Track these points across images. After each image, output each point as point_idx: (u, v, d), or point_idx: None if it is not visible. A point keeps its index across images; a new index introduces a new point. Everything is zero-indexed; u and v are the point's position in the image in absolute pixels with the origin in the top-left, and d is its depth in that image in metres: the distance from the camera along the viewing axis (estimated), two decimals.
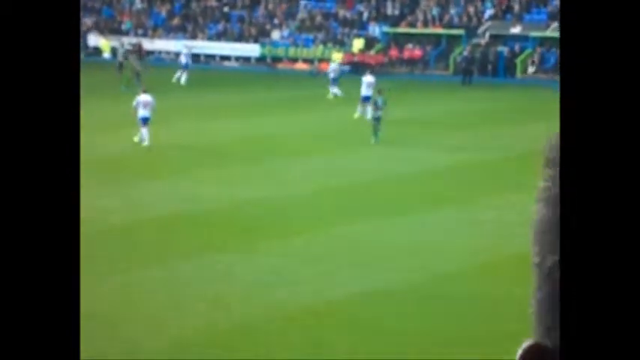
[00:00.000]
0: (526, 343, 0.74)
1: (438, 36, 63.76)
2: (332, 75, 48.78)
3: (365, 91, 39.58)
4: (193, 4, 73.59)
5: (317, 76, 59.11)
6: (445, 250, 20.28)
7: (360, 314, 16.57)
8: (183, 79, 53.00)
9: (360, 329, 15.83)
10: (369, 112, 36.81)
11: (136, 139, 32.97)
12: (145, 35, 71.36)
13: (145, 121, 32.83)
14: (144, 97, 33.40)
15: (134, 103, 33.18)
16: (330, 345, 15.15)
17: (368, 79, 40.42)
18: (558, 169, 0.73)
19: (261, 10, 71.33)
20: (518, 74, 59.61)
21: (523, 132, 34.48)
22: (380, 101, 34.70)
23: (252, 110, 42.15)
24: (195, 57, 66.68)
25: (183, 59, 55.34)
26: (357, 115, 39.38)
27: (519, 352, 0.73)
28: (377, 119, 34.41)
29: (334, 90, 47.68)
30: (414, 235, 21.63)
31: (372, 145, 33.36)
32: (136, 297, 17.28)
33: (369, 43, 64.92)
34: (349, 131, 36.62)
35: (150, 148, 32.18)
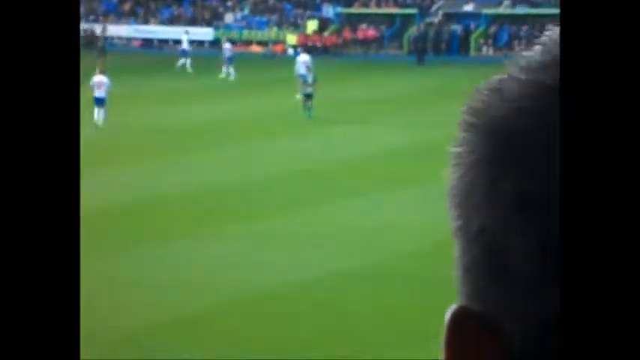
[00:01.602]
0: (453, 306, 0.74)
1: (392, 15, 63.82)
2: (227, 54, 49.59)
3: (301, 70, 39.53)
4: None
5: (272, 59, 58.98)
6: (404, 229, 20.36)
7: (322, 296, 16.61)
8: (188, 66, 52.49)
9: (322, 311, 15.87)
10: (300, 89, 37.25)
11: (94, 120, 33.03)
12: (96, 21, 70.84)
13: (100, 101, 32.74)
14: (99, 78, 33.29)
15: (90, 83, 33.07)
16: (294, 327, 15.18)
17: (303, 57, 40.58)
18: (477, 133, 0.73)
19: None
20: (472, 52, 59.82)
21: None
22: (310, 78, 35.50)
23: (207, 95, 42.00)
24: (149, 42, 66.35)
25: (185, 45, 54.65)
26: (298, 96, 39.40)
27: (447, 314, 0.73)
28: (308, 95, 35.15)
29: (229, 70, 48.82)
30: (372, 215, 21.69)
31: (329, 126, 33.38)
32: (98, 284, 17.22)
33: (323, 24, 64.87)
34: (311, 116, 36.59)
35: (107, 132, 31.99)
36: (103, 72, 33.85)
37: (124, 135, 32.27)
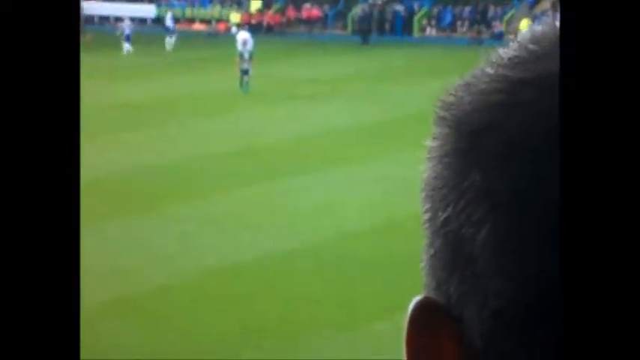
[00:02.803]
0: (417, 298, 0.75)
1: None
2: (126, 31, 51.08)
3: (239, 47, 39.95)
4: None
5: (216, 37, 58.70)
6: (345, 210, 20.36)
7: (263, 277, 16.55)
8: (172, 43, 52.63)
9: (264, 293, 15.82)
10: (238, 65, 38.25)
11: None
12: None
13: None
14: None
15: None
16: (235, 309, 15.13)
17: (242, 35, 40.93)
18: (447, 127, 0.75)
19: None
20: (416, 33, 59.99)
21: (421, 90, 34.72)
22: (246, 54, 36.91)
23: (148, 72, 41.71)
24: (89, 18, 65.62)
25: (168, 23, 54.69)
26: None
27: (410, 306, 0.75)
28: (244, 71, 36.39)
29: (127, 46, 50.11)
30: (316, 194, 21.67)
31: (270, 105, 33.29)
32: None
33: (267, 2, 64.68)
34: (254, 90, 36.50)
35: None
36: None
37: None
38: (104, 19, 66.83)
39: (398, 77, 40.06)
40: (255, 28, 57.42)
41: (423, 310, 0.75)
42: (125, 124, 29.77)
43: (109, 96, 34.87)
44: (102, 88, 35.76)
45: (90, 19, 64.95)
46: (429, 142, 0.78)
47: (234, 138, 27.71)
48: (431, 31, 59.75)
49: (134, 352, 13.63)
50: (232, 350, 13.74)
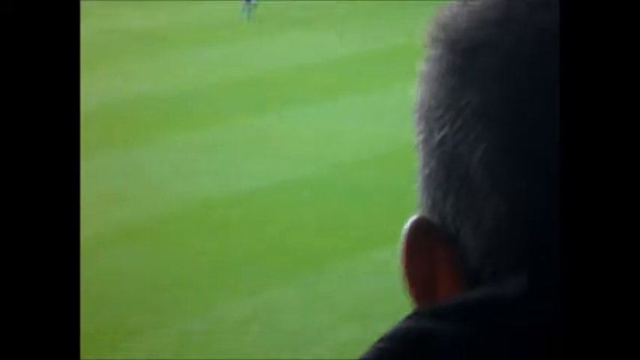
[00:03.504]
0: (412, 218, 0.75)
1: None
2: None
3: None
4: None
5: None
6: (346, 139, 20.38)
7: (264, 206, 16.63)
8: None
9: (265, 220, 15.91)
10: None
11: None
12: None
13: None
14: None
15: None
16: (237, 237, 15.23)
17: None
18: (442, 47, 0.74)
19: None
20: None
21: (425, 18, 34.54)
22: None
23: (144, 2, 41.45)
24: None
25: None
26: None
27: (405, 226, 0.75)
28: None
29: None
30: (314, 124, 21.68)
31: (270, 35, 33.15)
32: None
33: None
34: (254, 21, 36.31)
35: None
36: None
37: None
38: None
39: (400, 6, 39.78)
40: None
41: (418, 231, 0.75)
42: (126, 53, 29.68)
43: (110, 23, 34.71)
44: (104, 14, 35.59)
45: None
46: (422, 66, 0.77)
47: (234, 67, 27.65)
48: None
49: (136, 279, 13.77)
50: (233, 276, 13.87)
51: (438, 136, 0.75)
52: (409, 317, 0.72)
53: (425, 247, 0.75)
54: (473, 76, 0.73)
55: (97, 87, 25.12)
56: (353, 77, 26.33)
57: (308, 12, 38.45)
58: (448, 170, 0.74)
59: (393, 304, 12.87)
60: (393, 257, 14.35)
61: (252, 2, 36.81)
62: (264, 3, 38.31)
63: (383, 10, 39.13)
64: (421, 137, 0.77)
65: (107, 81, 25.77)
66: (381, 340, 0.70)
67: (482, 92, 0.72)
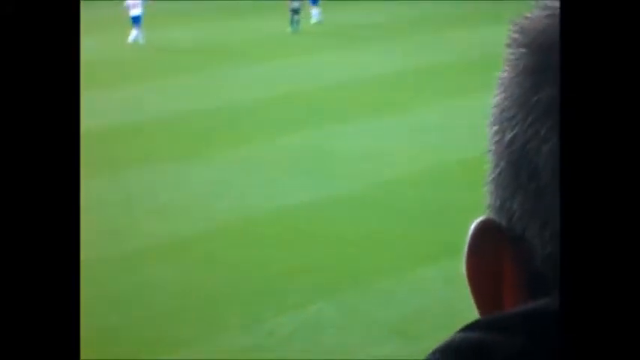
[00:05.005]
0: (478, 219, 0.75)
1: None
2: None
3: None
4: None
5: None
6: (390, 156, 20.40)
7: (308, 222, 16.69)
8: None
9: (308, 237, 15.96)
10: (315, 14, 38.22)
11: (130, 39, 33.42)
12: None
13: (136, 20, 33.32)
14: None
15: (124, 3, 34.00)
16: (281, 253, 15.28)
17: None
18: (520, 48, 0.74)
19: None
20: None
21: (468, 36, 34.50)
22: None
23: (193, 17, 41.68)
24: None
25: None
26: (312, 21, 39.29)
27: (471, 227, 0.74)
28: (295, 10, 36.76)
29: None
30: (359, 142, 21.70)
31: (315, 51, 33.24)
32: (83, 205, 17.29)
33: None
34: (299, 37, 36.43)
35: (108, 51, 31.80)
36: None
37: (114, 55, 32.09)
38: None
39: (446, 23, 39.70)
40: None
41: (484, 231, 0.74)
42: (171, 68, 29.89)
43: (156, 38, 34.98)
44: (150, 28, 35.87)
45: None
46: (501, 70, 0.77)
47: (280, 83, 27.75)
48: None
49: (180, 293, 13.88)
50: (275, 292, 13.93)
51: (509, 136, 0.74)
52: (464, 329, 0.71)
53: (490, 248, 0.74)
54: (547, 73, 0.73)
55: (142, 101, 25.37)
56: (396, 94, 26.35)
57: (353, 29, 38.50)
58: (517, 168, 0.74)
59: (433, 322, 12.93)
60: (433, 275, 14.40)
61: (297, 17, 37.06)
62: (308, 20, 38.39)
63: (426, 27, 39.02)
64: (494, 139, 0.76)
65: (152, 95, 26.00)
66: (435, 351, 0.70)
67: (554, 89, 0.72)
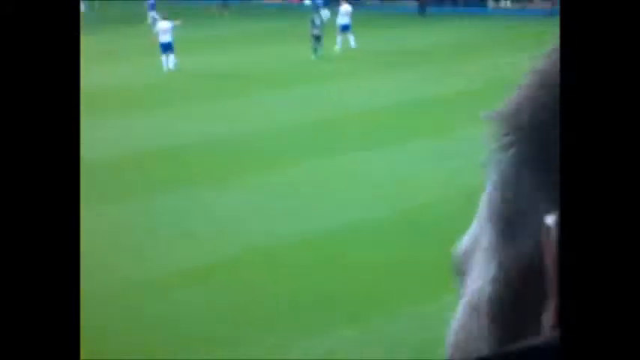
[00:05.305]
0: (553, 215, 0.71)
1: None
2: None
3: (343, 19, 39.78)
4: None
5: (290, 9, 58.75)
6: (415, 182, 20.40)
7: (335, 248, 16.70)
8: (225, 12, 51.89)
9: (335, 262, 15.97)
10: (340, 42, 38.39)
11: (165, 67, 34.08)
12: None
13: (166, 47, 33.72)
14: (164, 24, 34.40)
15: (155, 30, 34.41)
16: (307, 278, 15.30)
17: (345, 7, 40.72)
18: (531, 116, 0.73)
19: None
20: (490, 4, 59.47)
21: (492, 63, 34.51)
22: (318, 21, 37.00)
23: (222, 44, 41.93)
24: None
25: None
26: (337, 47, 39.36)
27: (550, 222, 0.71)
28: (317, 37, 36.99)
29: (152, 14, 49.25)
30: (384, 167, 21.74)
31: (342, 78, 33.34)
32: (112, 229, 17.37)
33: None
34: (326, 63, 36.55)
35: (143, 77, 32.01)
36: (165, 17, 34.82)
37: (141, 86, 32.31)
38: None
39: (470, 50, 39.78)
40: (329, 0, 57.31)
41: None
42: (199, 96, 30.06)
43: (184, 64, 35.18)
44: (179, 53, 36.08)
45: None
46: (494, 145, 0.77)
47: (305, 109, 27.84)
48: (505, 4, 59.23)
49: (209, 321, 13.90)
50: (303, 318, 13.93)
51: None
52: None
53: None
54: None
55: (171, 127, 25.50)
56: (421, 120, 26.37)
57: (379, 56, 38.60)
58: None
59: None
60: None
61: (319, 44, 37.40)
62: (331, 46, 38.49)
63: (452, 53, 39.06)
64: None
65: (180, 121, 26.13)
66: None
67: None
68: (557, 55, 0.72)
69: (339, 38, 39.82)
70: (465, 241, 0.81)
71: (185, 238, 17.11)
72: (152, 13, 49.69)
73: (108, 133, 25.00)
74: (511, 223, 0.74)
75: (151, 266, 15.76)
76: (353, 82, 32.45)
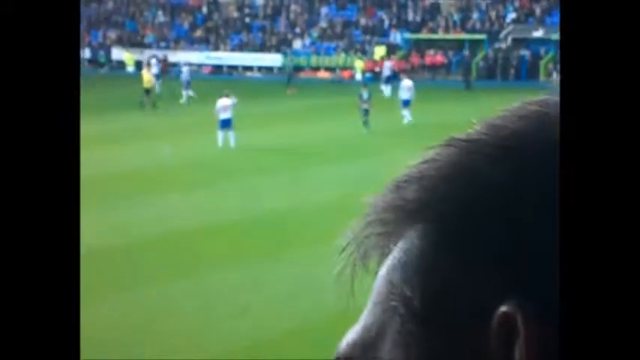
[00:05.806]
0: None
1: (460, 41, 63.72)
2: (185, 77, 50.04)
3: (405, 94, 40.13)
4: (215, 16, 73.90)
5: (340, 84, 59.22)
6: None
7: None
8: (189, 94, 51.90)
9: None
10: (406, 115, 38.89)
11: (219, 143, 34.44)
12: (167, 48, 71.70)
13: (226, 123, 34.26)
14: (224, 101, 34.99)
15: (216, 106, 35.16)
16: None
17: (407, 82, 41.15)
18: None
19: (282, 20, 71.56)
20: (542, 77, 59.54)
21: None
22: (365, 95, 37.49)
23: (275, 120, 42.26)
24: (218, 68, 66.91)
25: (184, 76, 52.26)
26: (405, 121, 39.67)
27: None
28: (365, 111, 37.77)
29: (186, 93, 49.47)
30: None
31: (389, 150, 33.39)
32: (164, 309, 17.39)
33: (391, 49, 64.99)
34: (377, 137, 36.69)
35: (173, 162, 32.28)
36: (227, 95, 35.51)
37: (191, 163, 32.57)
38: (232, 68, 68.04)
39: None
40: (379, 75, 57.75)
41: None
42: (249, 172, 30.23)
43: (242, 140, 35.49)
44: (237, 132, 36.40)
45: (219, 68, 66.11)
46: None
47: (359, 184, 27.87)
48: (558, 78, 59.33)
49: None
50: None
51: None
52: None
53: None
54: None
55: (227, 203, 25.63)
56: None
57: (426, 130, 38.67)
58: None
59: None
60: None
61: (366, 118, 37.86)
62: (387, 122, 38.64)
63: None
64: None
65: (234, 197, 26.25)
66: None
67: None
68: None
69: (404, 112, 40.16)
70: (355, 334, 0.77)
71: (239, 311, 17.07)
72: (186, 92, 50.14)
73: (148, 211, 25.18)
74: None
75: (207, 343, 15.71)
76: (405, 156, 32.40)
